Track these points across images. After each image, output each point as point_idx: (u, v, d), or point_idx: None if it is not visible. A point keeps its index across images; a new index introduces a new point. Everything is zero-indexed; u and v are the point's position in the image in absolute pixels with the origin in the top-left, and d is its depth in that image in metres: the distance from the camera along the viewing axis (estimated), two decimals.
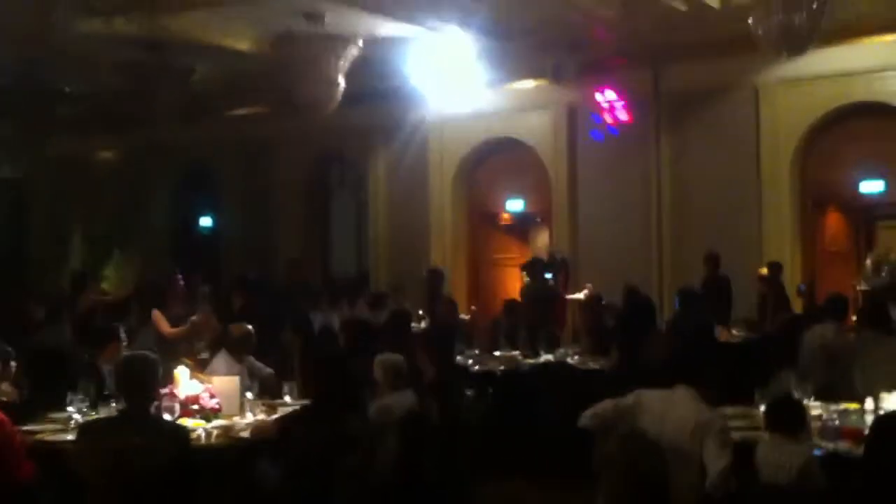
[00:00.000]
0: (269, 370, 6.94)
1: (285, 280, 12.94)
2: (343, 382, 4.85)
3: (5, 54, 11.40)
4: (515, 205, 14.80)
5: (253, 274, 9.91)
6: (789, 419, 4.76)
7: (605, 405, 4.95)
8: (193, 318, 7.43)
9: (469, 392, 6.58)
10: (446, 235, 14.82)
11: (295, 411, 5.21)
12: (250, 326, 6.97)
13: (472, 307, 12.68)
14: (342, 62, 11.28)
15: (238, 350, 6.85)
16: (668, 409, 4.71)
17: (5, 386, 5.79)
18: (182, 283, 9.54)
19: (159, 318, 7.10)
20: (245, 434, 5.50)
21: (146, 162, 17.32)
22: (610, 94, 12.56)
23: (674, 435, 4.58)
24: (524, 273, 12.01)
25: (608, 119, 12.69)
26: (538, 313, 10.23)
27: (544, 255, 13.02)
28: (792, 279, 11.65)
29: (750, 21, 9.43)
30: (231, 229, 16.99)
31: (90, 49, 11.42)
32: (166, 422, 5.10)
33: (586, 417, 4.98)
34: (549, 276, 11.95)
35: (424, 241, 14.81)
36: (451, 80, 12.90)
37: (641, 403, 4.82)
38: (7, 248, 17.86)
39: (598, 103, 12.66)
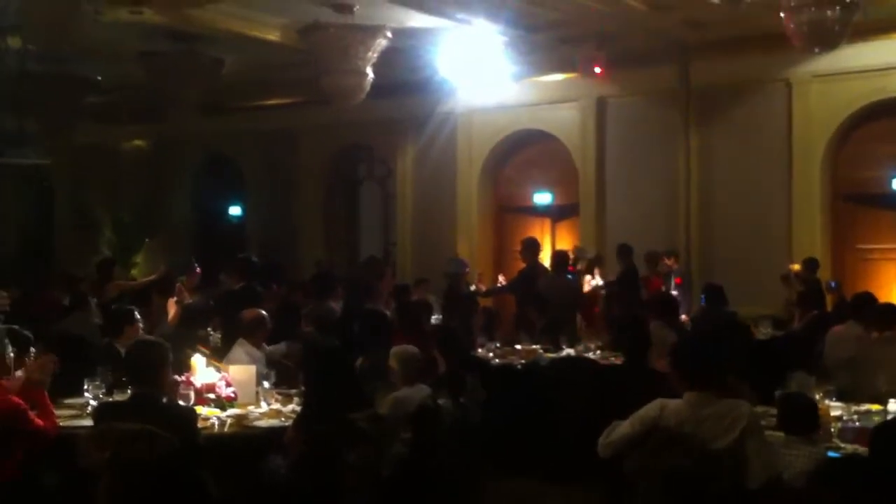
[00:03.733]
0: (282, 349, 6.90)
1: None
2: (345, 378, 4.82)
3: (34, 42, 11.47)
4: (543, 198, 14.73)
5: (258, 258, 9.75)
6: (798, 419, 4.66)
7: (622, 430, 4.58)
8: (173, 299, 7.42)
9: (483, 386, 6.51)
10: (473, 227, 14.80)
11: (302, 411, 5.17)
12: (264, 312, 6.96)
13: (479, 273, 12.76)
14: (370, 53, 11.23)
15: (253, 335, 6.83)
16: (708, 413, 4.45)
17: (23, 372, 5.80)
18: (199, 272, 9.55)
19: (171, 306, 7.13)
20: (259, 423, 5.50)
21: (173, 151, 17.46)
22: None
23: (724, 440, 4.38)
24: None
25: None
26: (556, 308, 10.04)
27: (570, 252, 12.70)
28: (823, 277, 11.48)
29: (781, 15, 9.29)
30: (258, 220, 17.07)
31: (118, 39, 11.47)
32: (175, 406, 5.10)
33: (607, 449, 4.62)
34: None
35: (451, 233, 14.80)
36: (480, 73, 12.84)
37: (667, 412, 4.53)
38: (35, 234, 18.04)
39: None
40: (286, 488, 4.80)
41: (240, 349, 6.75)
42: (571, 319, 10.33)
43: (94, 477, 4.56)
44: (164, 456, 4.41)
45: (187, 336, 7.23)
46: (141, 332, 6.73)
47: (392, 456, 5.14)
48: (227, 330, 7.64)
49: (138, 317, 6.74)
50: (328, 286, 9.59)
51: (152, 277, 10.78)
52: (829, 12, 8.96)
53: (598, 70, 12.35)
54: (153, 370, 4.76)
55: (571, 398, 7.35)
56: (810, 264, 11.15)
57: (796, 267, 11.29)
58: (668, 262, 12.24)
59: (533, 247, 10.92)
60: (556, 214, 14.81)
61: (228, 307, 8.02)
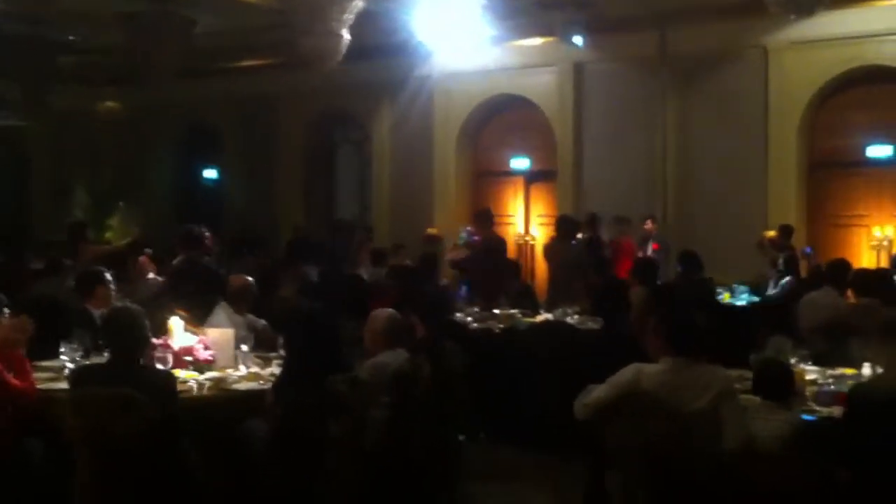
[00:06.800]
0: (263, 322, 6.89)
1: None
2: (327, 342, 4.82)
3: (9, 4, 11.28)
4: (520, 163, 14.71)
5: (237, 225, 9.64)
6: (774, 384, 4.71)
7: (598, 394, 4.66)
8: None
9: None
10: (450, 193, 14.77)
11: (280, 374, 5.17)
12: (250, 278, 6.95)
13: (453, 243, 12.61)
14: (346, 15, 11.10)
15: (239, 302, 6.82)
16: (685, 378, 4.53)
17: None
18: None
19: (145, 264, 7.08)
20: (237, 386, 5.49)
21: (149, 115, 17.27)
22: None
23: (699, 403, 4.46)
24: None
25: None
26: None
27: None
28: (797, 244, 11.57)
29: None
30: (234, 185, 16.97)
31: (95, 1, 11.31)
32: (153, 370, 5.08)
33: (582, 410, 4.71)
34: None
35: (428, 198, 14.78)
36: (458, 36, 12.74)
37: (643, 376, 4.60)
38: (9, 198, 17.82)
39: None
40: (265, 453, 4.80)
41: (222, 312, 6.73)
42: (576, 286, 10.22)
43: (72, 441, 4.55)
44: (144, 421, 4.39)
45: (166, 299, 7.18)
46: (114, 294, 6.69)
47: (372, 421, 5.14)
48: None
49: (109, 278, 6.69)
50: (305, 251, 9.54)
51: (127, 241, 10.71)
52: None
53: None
54: (130, 337, 4.73)
55: (549, 363, 7.38)
56: (785, 231, 11.23)
57: (771, 234, 11.37)
58: (647, 226, 12.24)
59: (487, 218, 10.73)
60: (531, 178, 14.78)
61: (178, 283, 7.81)
